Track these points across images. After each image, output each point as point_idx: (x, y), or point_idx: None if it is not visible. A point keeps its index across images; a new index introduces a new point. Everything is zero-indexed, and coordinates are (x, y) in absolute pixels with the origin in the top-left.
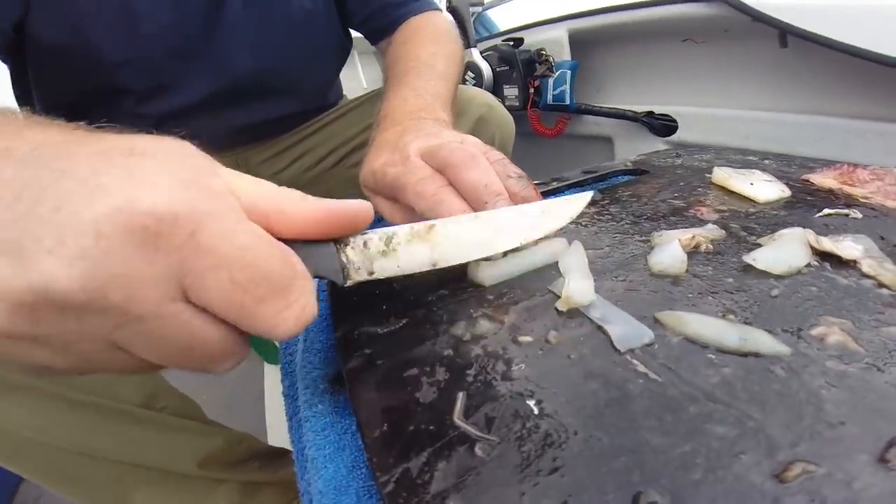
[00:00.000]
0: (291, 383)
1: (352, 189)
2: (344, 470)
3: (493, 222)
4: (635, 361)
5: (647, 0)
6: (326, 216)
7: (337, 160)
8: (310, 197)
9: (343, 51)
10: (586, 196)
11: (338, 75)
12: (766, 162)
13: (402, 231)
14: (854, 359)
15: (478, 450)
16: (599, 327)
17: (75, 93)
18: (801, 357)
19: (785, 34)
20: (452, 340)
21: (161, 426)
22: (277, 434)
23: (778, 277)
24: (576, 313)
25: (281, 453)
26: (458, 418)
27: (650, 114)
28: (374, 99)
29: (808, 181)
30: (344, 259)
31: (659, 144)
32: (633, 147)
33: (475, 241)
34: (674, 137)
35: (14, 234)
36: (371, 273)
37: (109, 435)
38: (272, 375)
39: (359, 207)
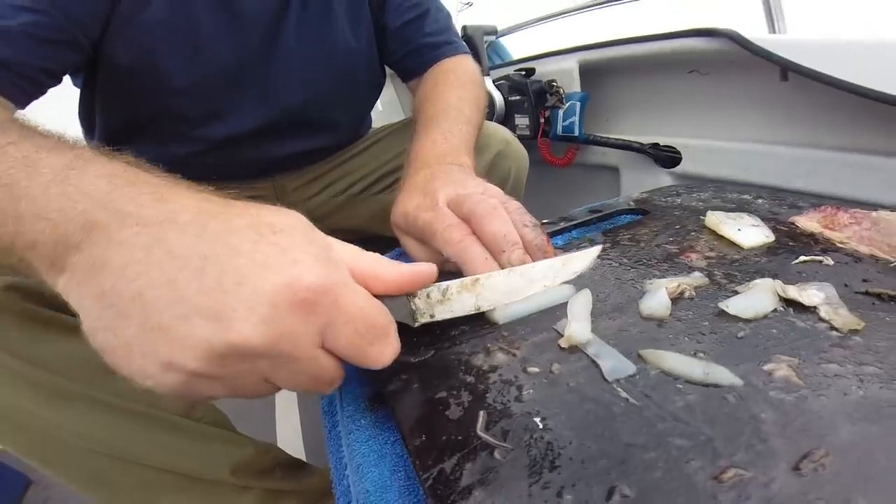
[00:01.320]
0: (330, 401)
1: (375, 216)
2: (387, 473)
3: (524, 275)
4: (619, 389)
5: (656, 34)
6: (410, 277)
7: (363, 188)
8: (394, 262)
9: (378, 87)
10: (595, 250)
11: (371, 109)
12: (760, 201)
13: (454, 284)
14: (793, 390)
15: (496, 454)
16: (594, 361)
17: (135, 115)
18: (750, 387)
19: (786, 69)
20: (473, 369)
21: (198, 434)
22: (288, 444)
23: (746, 321)
24: (575, 349)
25: (300, 464)
26: (480, 431)
27: (655, 145)
28: (399, 131)
29: (793, 224)
30: (413, 307)
31: (663, 175)
32: (638, 178)
33: (508, 290)
34: (677, 169)
35: (210, 302)
36: (432, 316)
37: (150, 442)
38: (284, 390)
39: (430, 270)
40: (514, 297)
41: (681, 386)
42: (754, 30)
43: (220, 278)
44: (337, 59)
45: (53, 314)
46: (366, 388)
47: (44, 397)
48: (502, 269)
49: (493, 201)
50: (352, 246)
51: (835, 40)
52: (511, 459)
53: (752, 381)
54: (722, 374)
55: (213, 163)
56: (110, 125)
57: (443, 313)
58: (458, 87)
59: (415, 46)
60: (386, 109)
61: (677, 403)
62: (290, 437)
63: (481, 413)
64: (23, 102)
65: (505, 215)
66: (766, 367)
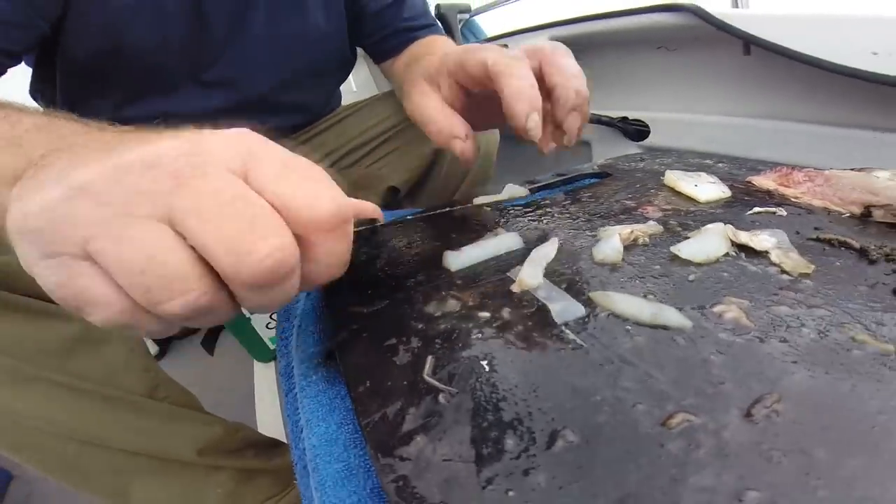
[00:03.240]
0: (287, 363)
1: (344, 191)
2: (334, 426)
3: None
4: (568, 331)
5: (623, 10)
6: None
7: (331, 163)
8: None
9: (348, 66)
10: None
11: (339, 86)
12: (720, 165)
13: None
14: (743, 332)
15: (441, 399)
16: (544, 305)
17: (94, 90)
18: (700, 329)
19: (748, 43)
20: (425, 316)
21: (163, 415)
22: (267, 428)
23: (697, 265)
24: (527, 294)
25: (274, 443)
26: (426, 375)
27: (624, 119)
28: (368, 106)
29: (750, 183)
30: None
31: (632, 148)
32: (609, 150)
33: None
34: (646, 142)
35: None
36: None
37: (114, 424)
38: (262, 373)
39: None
40: None
41: (629, 328)
42: (719, 5)
43: (52, 170)
44: (308, 44)
45: (7, 295)
46: (321, 347)
47: (3, 382)
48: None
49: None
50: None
51: (794, 14)
52: (455, 404)
53: (701, 324)
54: (671, 316)
55: None
56: (70, 96)
57: None
58: (440, 51)
59: (392, 31)
60: (360, 90)
61: (625, 345)
62: (269, 419)
63: (429, 358)
64: None
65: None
66: (716, 308)
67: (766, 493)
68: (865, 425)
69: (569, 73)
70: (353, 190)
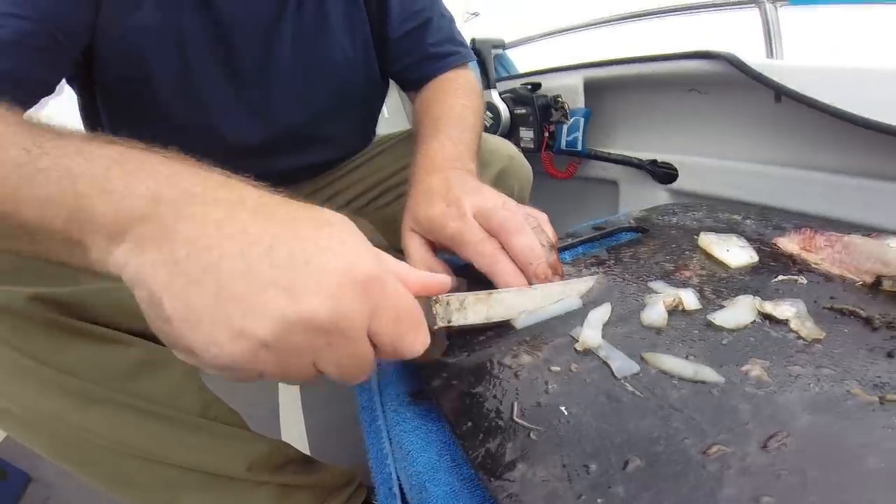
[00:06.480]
0: (369, 398)
1: (379, 229)
2: (435, 456)
3: (530, 295)
4: (627, 384)
5: (658, 55)
6: (429, 282)
7: (367, 201)
8: (414, 269)
9: (380, 96)
10: (590, 280)
11: (375, 120)
12: (748, 222)
13: (471, 296)
14: (764, 386)
15: (532, 435)
16: (605, 362)
17: (136, 121)
18: (730, 385)
19: (779, 93)
20: (504, 368)
21: (217, 433)
22: (292, 442)
23: (729, 331)
24: (588, 352)
25: (309, 460)
26: (516, 417)
27: (654, 162)
28: (403, 142)
29: (775, 245)
30: (434, 312)
31: (660, 191)
32: (636, 192)
33: (516, 306)
34: (674, 185)
35: (282, 276)
36: (449, 322)
37: (174, 442)
38: (286, 391)
39: (447, 279)
40: (518, 312)
41: (676, 382)
42: (753, 54)
43: (290, 256)
44: (333, 71)
45: (76, 322)
46: (404, 387)
47: (74, 403)
48: (528, 279)
49: (520, 218)
50: (381, 251)
51: (826, 66)
52: (544, 439)
53: (731, 380)
54: (708, 374)
55: None
56: (115, 129)
57: (458, 320)
58: (462, 95)
59: (417, 58)
60: (392, 117)
61: (673, 396)
62: (294, 438)
63: (515, 403)
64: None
65: (531, 231)
66: (743, 368)
67: (776, 498)
68: (850, 454)
69: (526, 257)
70: (388, 227)
